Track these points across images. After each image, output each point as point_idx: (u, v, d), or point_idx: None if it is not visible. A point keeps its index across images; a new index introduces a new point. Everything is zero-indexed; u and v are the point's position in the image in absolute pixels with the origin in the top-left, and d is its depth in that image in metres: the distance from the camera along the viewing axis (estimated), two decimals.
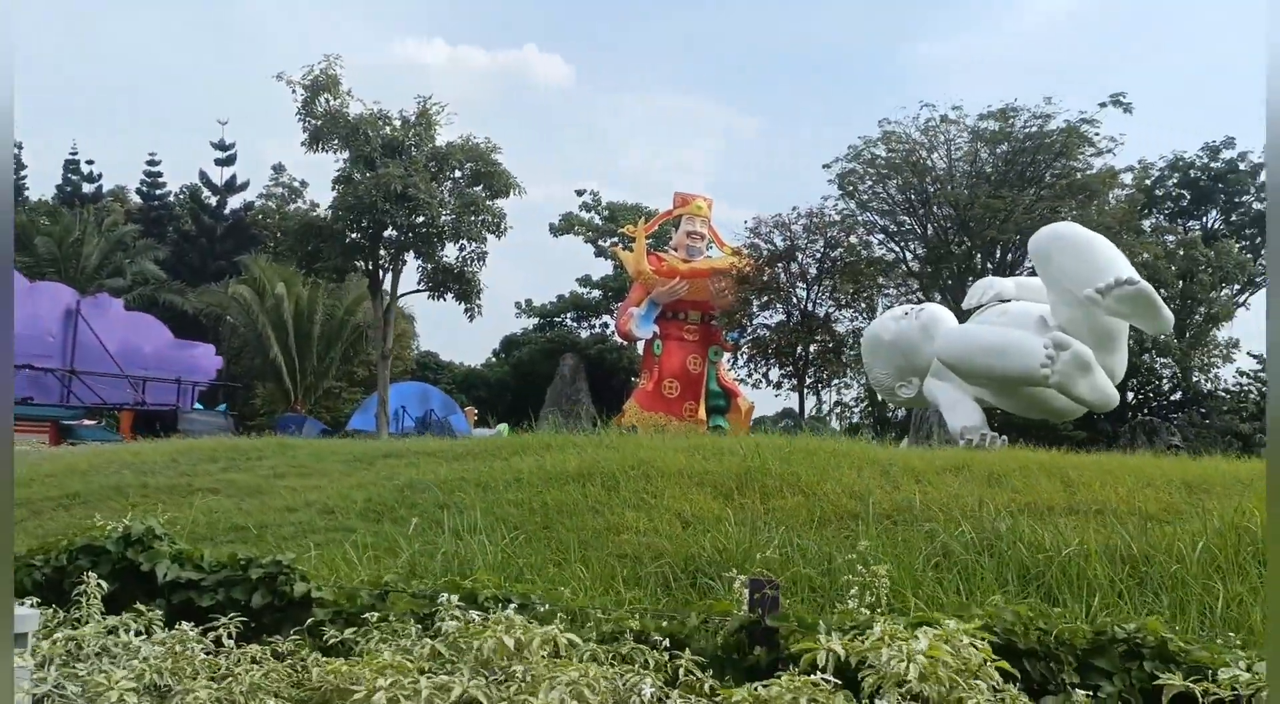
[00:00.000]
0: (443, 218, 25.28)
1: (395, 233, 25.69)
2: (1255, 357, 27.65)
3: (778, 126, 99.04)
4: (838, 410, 43.11)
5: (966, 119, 27.74)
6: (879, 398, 41.88)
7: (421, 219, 25.16)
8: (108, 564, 4.47)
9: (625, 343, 42.24)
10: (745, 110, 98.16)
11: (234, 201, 49.56)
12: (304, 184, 51.92)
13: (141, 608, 4.16)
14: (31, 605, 3.85)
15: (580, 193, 49.08)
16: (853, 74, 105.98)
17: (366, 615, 4.07)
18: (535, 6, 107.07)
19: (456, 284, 26.21)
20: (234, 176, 49.40)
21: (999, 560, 5.60)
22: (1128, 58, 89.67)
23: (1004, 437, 13.36)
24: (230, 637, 3.88)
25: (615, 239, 44.29)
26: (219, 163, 48.95)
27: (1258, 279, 27.47)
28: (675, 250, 30.22)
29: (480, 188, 26.20)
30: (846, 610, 4.18)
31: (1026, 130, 26.81)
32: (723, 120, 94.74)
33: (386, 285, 26.41)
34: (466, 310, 26.55)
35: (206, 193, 49.10)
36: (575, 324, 49.48)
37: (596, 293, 48.05)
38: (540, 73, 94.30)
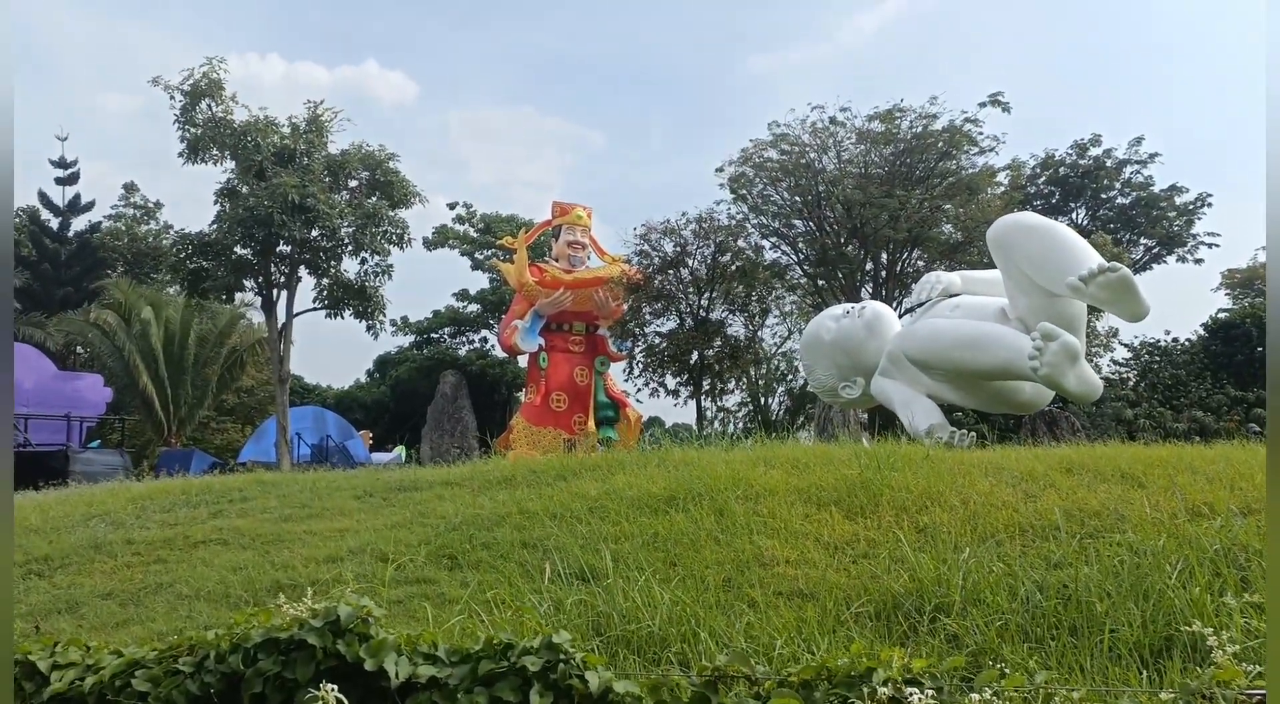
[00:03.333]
0: (342, 230, 23.63)
1: (289, 247, 23.90)
2: (1127, 346, 28.91)
3: (625, 138, 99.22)
4: (721, 416, 43.31)
5: (855, 121, 27.87)
6: (765, 402, 42.58)
7: (318, 232, 23.46)
8: (308, 663, 3.19)
9: (509, 357, 41.05)
10: (590, 124, 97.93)
11: (78, 223, 45.52)
12: (158, 205, 48.64)
13: None
14: None
15: (452, 205, 47.51)
16: (690, 84, 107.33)
17: None
18: (374, 19, 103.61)
19: (357, 301, 24.58)
20: (77, 196, 45.34)
21: None
22: (957, 60, 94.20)
23: (973, 433, 12.98)
24: None
25: (493, 252, 43.02)
26: (59, 182, 44.78)
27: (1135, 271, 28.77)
28: (556, 261, 29.16)
29: (378, 198, 24.69)
30: None
31: (913, 131, 27.11)
32: (570, 134, 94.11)
33: (281, 305, 24.53)
34: (369, 328, 25.02)
35: (47, 214, 44.84)
36: (454, 340, 47.79)
37: (474, 307, 46.50)
38: (382, 89, 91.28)
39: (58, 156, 44.91)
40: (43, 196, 44.78)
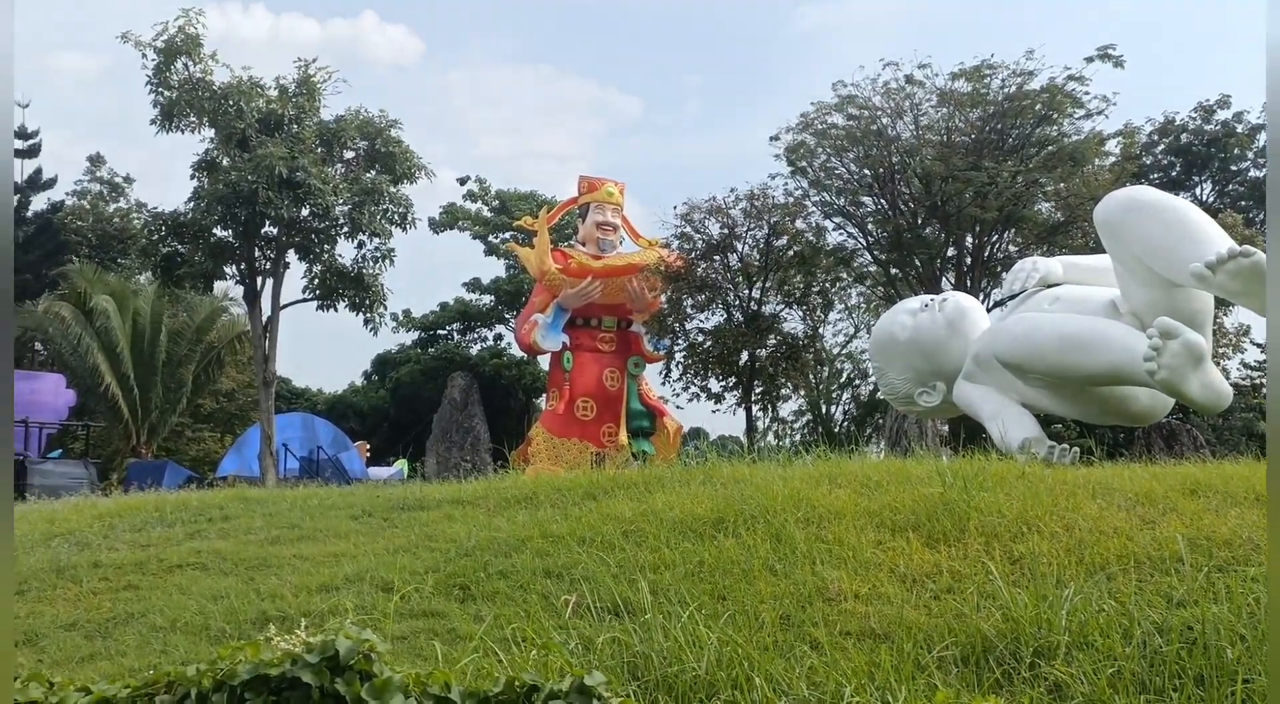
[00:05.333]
0: (336, 208, 23.91)
1: (275, 228, 24.20)
2: (1260, 346, 28.38)
3: (663, 102, 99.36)
4: (775, 427, 43.23)
5: (935, 80, 27.66)
6: (826, 410, 42.48)
7: (309, 210, 23.74)
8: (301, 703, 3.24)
9: (527, 357, 41.26)
10: (622, 86, 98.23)
11: (39, 201, 46.45)
12: (128, 179, 49.41)
13: None
14: None
15: (463, 181, 47.84)
16: (737, 38, 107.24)
17: None
18: None
19: (353, 291, 24.85)
20: (39, 171, 46.27)
21: None
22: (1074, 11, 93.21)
23: (1076, 449, 12.83)
24: None
25: (509, 234, 43.24)
26: (19, 154, 45.64)
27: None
28: (583, 245, 29.27)
29: (377, 171, 24.94)
30: None
31: (1005, 91, 26.85)
32: (598, 98, 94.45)
33: (267, 295, 24.82)
34: (367, 322, 25.24)
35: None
36: (464, 337, 48.12)
37: (488, 299, 46.79)
38: (382, 46, 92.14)
39: (18, 126, 45.78)
40: None
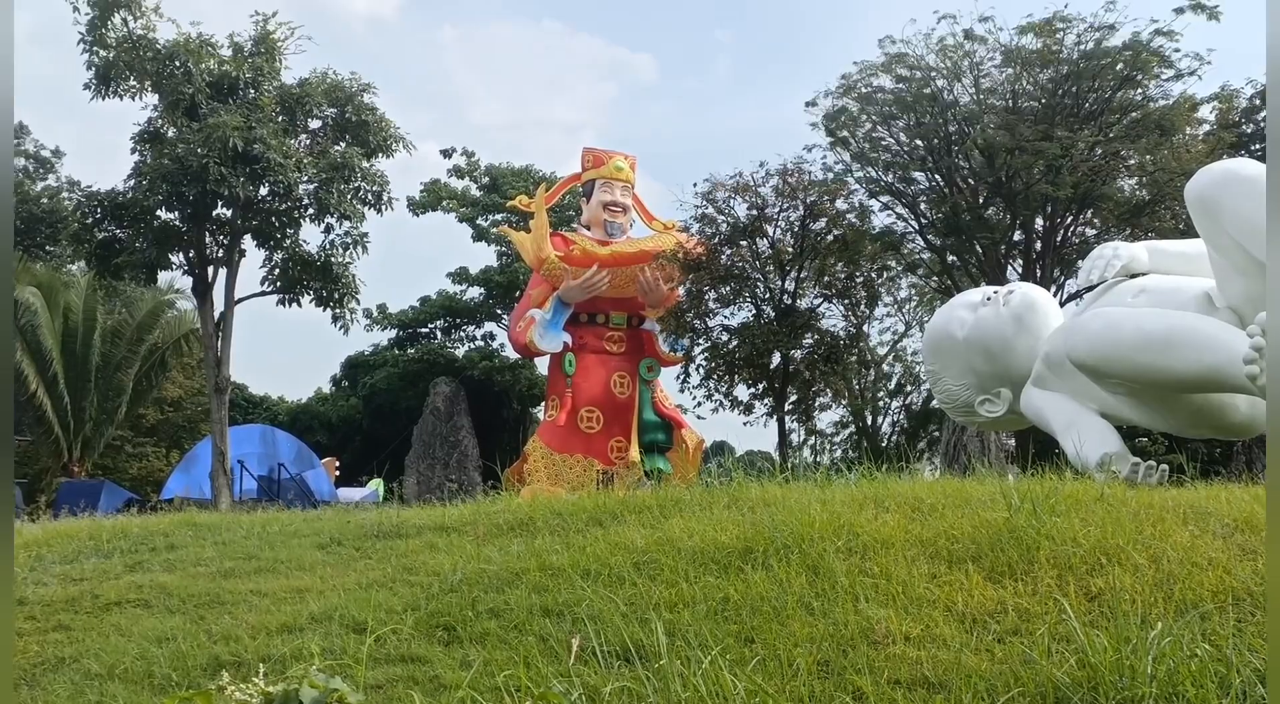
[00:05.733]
0: (300, 186, 24.10)
1: (229, 210, 24.38)
2: None
3: (683, 63, 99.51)
4: (813, 441, 43.23)
5: (999, 35, 27.68)
6: (871, 422, 42.51)
7: (268, 189, 23.95)
8: None
9: (523, 360, 41.40)
10: (636, 44, 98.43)
11: None
12: (57, 153, 49.75)
13: None
14: None
15: (448, 154, 47.99)
16: None
17: None
18: None
19: (320, 282, 25.03)
20: None
21: None
22: None
23: (1164, 466, 12.79)
24: None
25: (502, 216, 43.39)
26: None
27: None
28: (588, 229, 29.36)
29: (347, 144, 25.11)
30: None
31: (1081, 48, 26.84)
32: (609, 59, 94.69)
33: (219, 287, 25.03)
34: (336, 319, 25.42)
35: None
36: (449, 336, 48.34)
37: (476, 292, 47.02)
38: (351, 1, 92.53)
39: None
40: None
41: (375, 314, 47.44)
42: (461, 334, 48.59)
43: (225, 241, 24.96)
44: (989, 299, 14.64)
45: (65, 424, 35.49)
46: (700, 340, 27.30)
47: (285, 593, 7.74)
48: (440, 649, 6.42)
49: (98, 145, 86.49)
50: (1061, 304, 15.85)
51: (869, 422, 42.12)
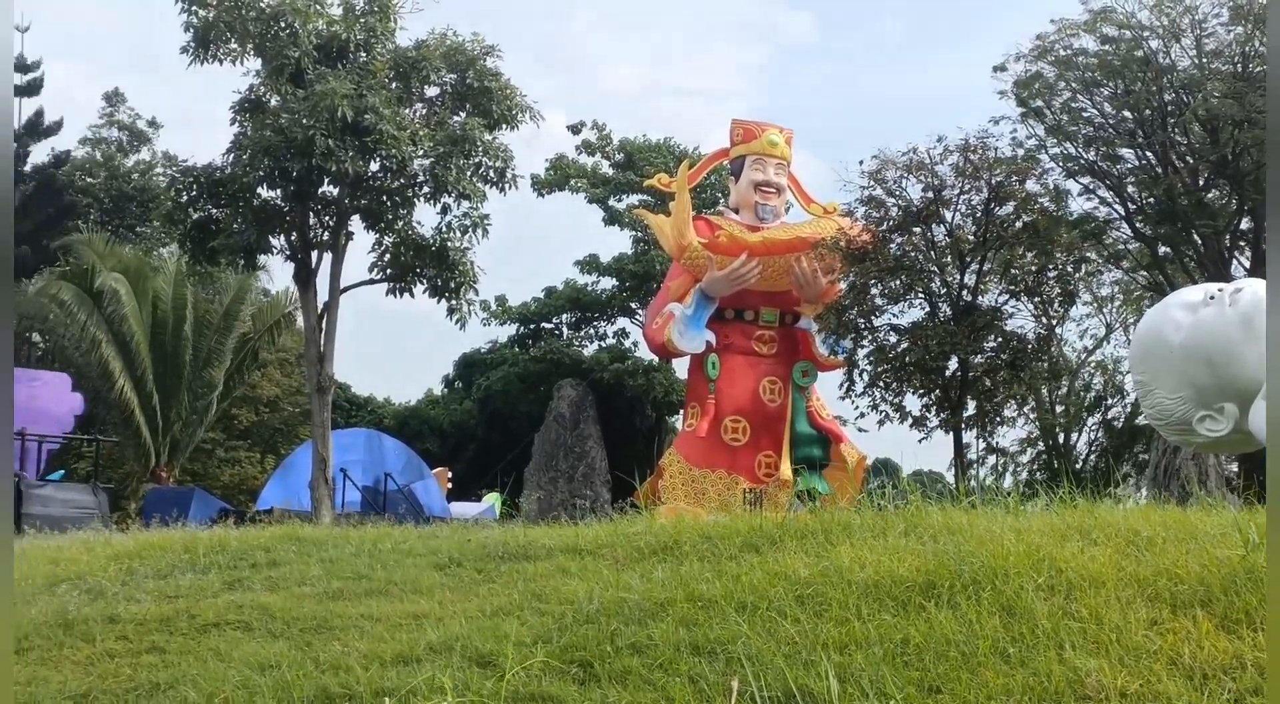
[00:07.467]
0: (415, 161, 24.37)
1: (336, 188, 24.79)
2: None
3: (845, 23, 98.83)
4: (995, 460, 42.52)
5: None
6: (1065, 439, 41.69)
7: (379, 164, 24.27)
8: None
9: (659, 361, 41.53)
10: (794, 2, 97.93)
11: (39, 152, 48.67)
12: (153, 123, 51.35)
13: None
14: None
15: (576, 128, 48.32)
16: None
17: None
18: None
19: (435, 269, 25.29)
20: (40, 112, 48.46)
21: None
22: None
23: None
24: None
25: (639, 197, 43.59)
26: (16, 92, 47.81)
27: None
28: (736, 212, 29.20)
29: (467, 113, 25.33)
30: None
31: None
32: (761, 18, 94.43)
33: (323, 274, 25.47)
34: (451, 312, 25.65)
35: None
36: (576, 333, 48.65)
37: (608, 283, 47.25)
38: None
39: (15, 55, 47.90)
40: None
41: (493, 307, 47.83)
42: (590, 331, 48.92)
43: (330, 223, 25.19)
44: (1212, 298, 14.21)
45: (153, 425, 36.33)
46: (864, 342, 26.95)
47: (400, 619, 7.86)
48: (575, 688, 6.46)
49: (195, 116, 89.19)
50: None
51: (1061, 439, 41.29)
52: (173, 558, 10.13)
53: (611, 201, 46.43)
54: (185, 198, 25.64)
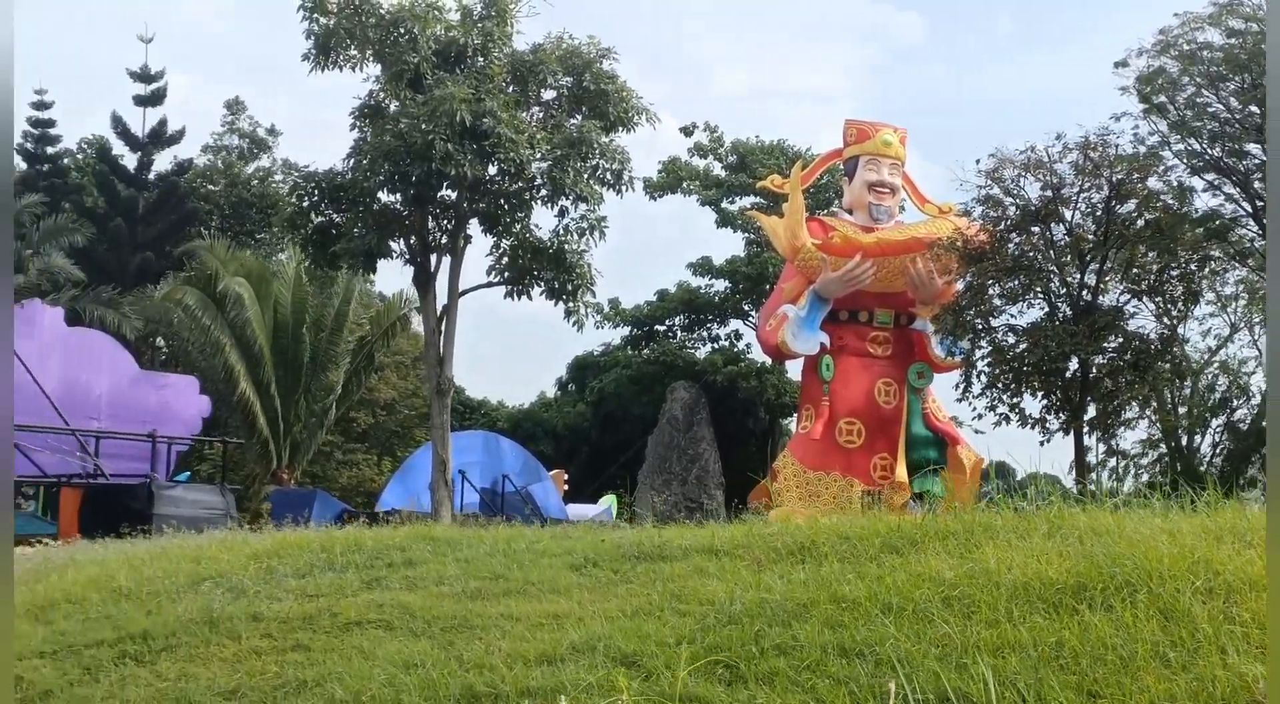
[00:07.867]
0: (533, 165, 24.48)
1: (454, 192, 24.99)
2: None
3: (958, 21, 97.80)
4: (1116, 462, 41.69)
5: None
6: (1189, 441, 40.77)
7: (497, 167, 24.41)
8: None
9: (773, 363, 41.29)
10: (904, 2, 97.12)
11: (163, 160, 49.57)
12: (273, 131, 52.17)
13: None
14: None
15: (688, 131, 48.27)
16: None
17: None
18: None
19: (552, 272, 25.40)
20: (163, 122, 49.28)
21: None
22: None
23: None
24: None
25: (752, 199, 43.41)
26: (140, 102, 48.82)
27: None
28: (850, 213, 28.98)
29: (584, 116, 25.41)
30: None
31: None
32: (872, 17, 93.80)
33: (442, 278, 25.65)
34: (569, 315, 25.75)
35: (121, 147, 49.04)
36: (689, 335, 48.56)
37: (721, 285, 47.12)
38: None
39: (139, 66, 48.89)
40: (117, 123, 48.76)
41: (606, 310, 47.83)
42: (703, 333, 48.75)
43: (449, 227, 25.49)
44: None
45: (275, 428, 36.87)
46: (982, 343, 26.60)
47: (540, 618, 7.88)
48: (722, 689, 6.43)
49: (315, 123, 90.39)
50: None
51: (1184, 441, 40.42)
52: (310, 557, 10.32)
53: (724, 204, 46.29)
54: (307, 203, 26.04)
